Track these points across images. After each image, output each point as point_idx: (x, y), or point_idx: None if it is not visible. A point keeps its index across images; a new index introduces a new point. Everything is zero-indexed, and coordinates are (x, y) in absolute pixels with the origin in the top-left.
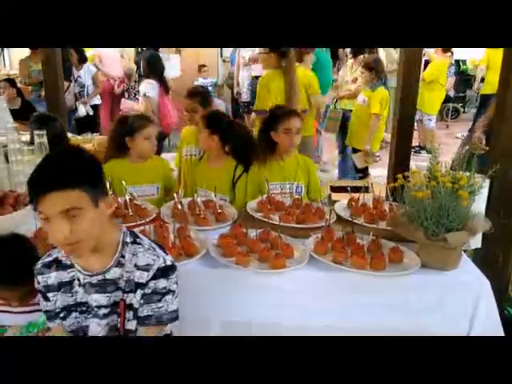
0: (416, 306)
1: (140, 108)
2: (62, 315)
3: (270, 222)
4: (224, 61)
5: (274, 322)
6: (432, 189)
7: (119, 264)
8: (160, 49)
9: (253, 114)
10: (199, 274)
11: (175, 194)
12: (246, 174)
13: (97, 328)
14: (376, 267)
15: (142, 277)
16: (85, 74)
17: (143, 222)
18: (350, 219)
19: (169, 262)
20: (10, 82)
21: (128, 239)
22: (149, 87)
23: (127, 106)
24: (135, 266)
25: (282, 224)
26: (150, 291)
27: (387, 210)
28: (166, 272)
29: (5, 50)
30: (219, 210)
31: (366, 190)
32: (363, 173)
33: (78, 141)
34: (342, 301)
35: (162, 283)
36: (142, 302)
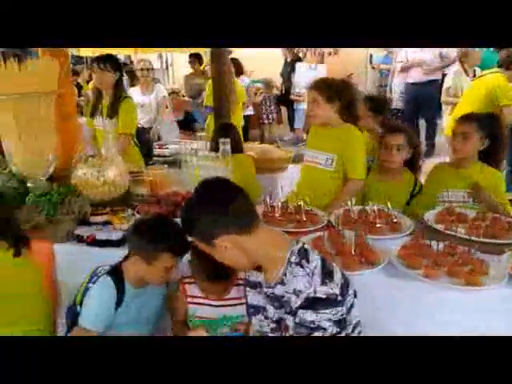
0: None
1: None
2: (250, 311)
3: (458, 235)
4: (373, 68)
5: None
6: None
7: (282, 282)
8: (305, 59)
9: None
10: (380, 284)
11: (349, 202)
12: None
13: None
14: None
15: (295, 302)
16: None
17: (318, 227)
18: None
19: (319, 294)
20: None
21: (294, 259)
22: None
23: None
24: (293, 288)
25: (472, 238)
26: (297, 320)
27: None
28: (314, 304)
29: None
30: (395, 220)
31: None
32: None
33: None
34: None
35: (309, 316)
36: (292, 330)
